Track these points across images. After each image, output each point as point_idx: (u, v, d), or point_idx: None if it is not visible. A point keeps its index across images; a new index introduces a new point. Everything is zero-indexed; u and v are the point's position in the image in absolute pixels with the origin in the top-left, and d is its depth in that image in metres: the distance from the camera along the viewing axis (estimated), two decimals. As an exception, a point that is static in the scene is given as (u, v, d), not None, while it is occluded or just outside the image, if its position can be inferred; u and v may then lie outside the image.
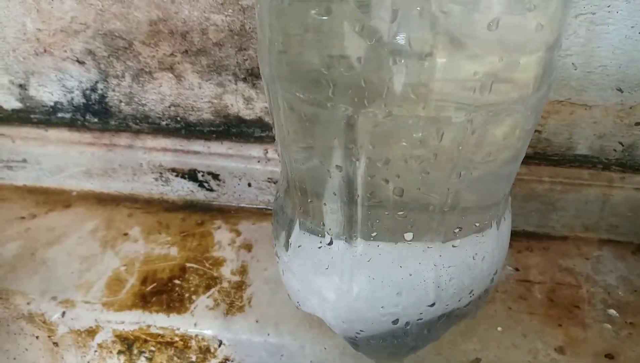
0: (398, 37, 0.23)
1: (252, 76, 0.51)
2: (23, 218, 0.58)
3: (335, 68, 0.25)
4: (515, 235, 0.54)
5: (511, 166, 0.31)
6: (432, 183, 0.29)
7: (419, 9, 0.22)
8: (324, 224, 0.34)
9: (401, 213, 0.31)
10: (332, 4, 0.23)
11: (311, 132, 0.29)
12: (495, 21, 0.23)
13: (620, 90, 0.47)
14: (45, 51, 0.53)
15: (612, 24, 0.43)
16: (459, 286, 0.35)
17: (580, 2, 0.43)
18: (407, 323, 0.36)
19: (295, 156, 0.32)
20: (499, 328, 0.46)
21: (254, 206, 0.59)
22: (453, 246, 0.33)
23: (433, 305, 0.35)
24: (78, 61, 0.53)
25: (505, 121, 0.27)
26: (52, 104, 0.57)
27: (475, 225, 0.33)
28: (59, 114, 0.57)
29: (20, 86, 0.56)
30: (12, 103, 0.57)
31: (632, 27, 0.43)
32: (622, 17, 0.43)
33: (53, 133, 0.58)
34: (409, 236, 0.32)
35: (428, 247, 0.33)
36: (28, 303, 0.49)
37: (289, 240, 0.37)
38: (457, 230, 0.32)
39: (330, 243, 0.34)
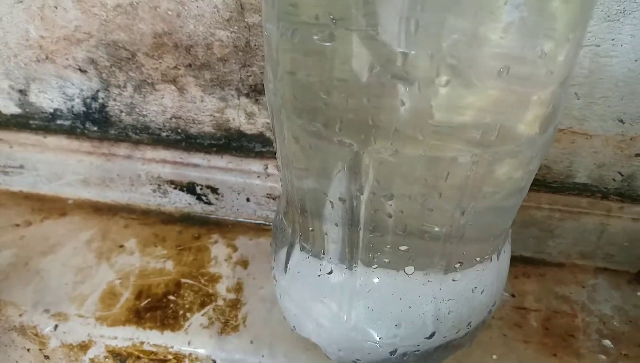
0: (408, 78, 0.23)
1: (255, 92, 0.51)
2: (18, 225, 0.57)
3: (343, 104, 0.25)
4: (512, 260, 0.53)
5: (514, 202, 0.31)
6: (435, 219, 0.29)
7: (430, 53, 0.22)
8: (324, 253, 0.34)
9: (403, 247, 0.31)
10: (342, 35, 0.23)
11: (315, 163, 0.29)
12: (506, 68, 0.22)
13: (621, 121, 0.47)
14: (47, 57, 0.53)
15: (615, 56, 0.43)
16: (458, 318, 0.35)
17: (586, 34, 0.42)
18: (405, 354, 0.35)
19: (297, 181, 0.32)
20: (494, 356, 0.46)
21: (252, 221, 0.58)
22: (453, 279, 0.33)
23: (431, 337, 0.35)
24: (80, 70, 0.53)
25: (510, 162, 0.27)
26: (51, 110, 0.56)
27: (476, 259, 0.33)
28: (59, 121, 0.57)
29: (20, 91, 0.55)
30: (11, 108, 0.57)
31: (636, 60, 0.43)
32: (626, 50, 0.43)
33: (52, 140, 0.57)
34: (410, 269, 0.32)
35: (428, 280, 0.33)
36: (20, 315, 0.48)
37: (288, 265, 0.37)
38: (458, 264, 0.32)
39: (331, 272, 0.34)
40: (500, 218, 0.31)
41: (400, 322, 0.34)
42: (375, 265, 0.32)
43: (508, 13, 0.21)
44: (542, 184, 0.51)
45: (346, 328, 0.35)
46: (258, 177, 0.55)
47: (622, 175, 0.50)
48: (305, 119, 0.27)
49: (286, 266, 0.38)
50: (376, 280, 0.33)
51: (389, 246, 0.31)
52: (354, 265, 0.33)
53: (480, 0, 0.21)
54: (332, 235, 0.32)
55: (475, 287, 0.34)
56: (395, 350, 0.35)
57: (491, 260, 0.34)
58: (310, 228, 0.34)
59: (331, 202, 0.30)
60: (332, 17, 0.23)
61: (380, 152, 0.26)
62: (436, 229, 0.29)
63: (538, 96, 0.25)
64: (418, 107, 0.24)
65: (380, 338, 0.34)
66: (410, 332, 0.34)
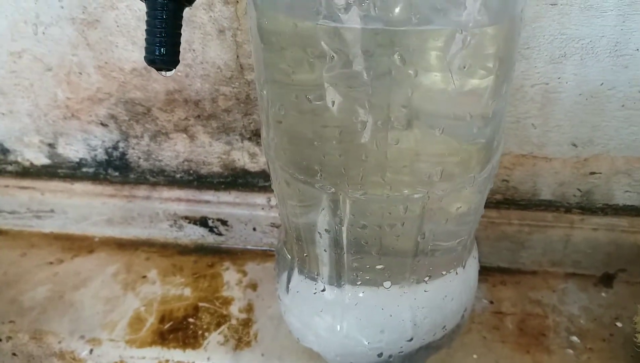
0: (368, 139, 0.30)
1: (256, 136, 0.58)
2: (51, 263, 0.64)
3: (321, 159, 0.32)
4: (490, 271, 0.61)
5: (468, 224, 0.38)
6: (402, 243, 0.36)
7: (381, 121, 0.29)
8: (318, 273, 0.41)
9: (380, 266, 0.38)
10: (316, 107, 0.30)
11: (304, 202, 0.36)
12: (442, 128, 0.30)
13: (575, 145, 0.54)
14: (72, 115, 0.60)
15: (562, 91, 0.51)
16: (433, 323, 0.42)
17: (535, 75, 0.50)
18: (390, 356, 0.42)
19: (292, 215, 0.39)
20: (475, 356, 0.52)
21: (259, 247, 0.65)
22: (425, 290, 0.40)
23: (411, 340, 0.41)
24: (102, 124, 0.60)
25: (456, 196, 0.34)
26: (77, 160, 0.64)
27: (442, 272, 0.40)
28: (84, 169, 0.64)
29: (50, 145, 0.63)
30: (41, 160, 0.65)
31: (580, 94, 0.50)
32: (571, 86, 0.50)
33: (78, 186, 0.65)
34: (387, 284, 0.39)
35: (404, 292, 0.40)
36: (59, 342, 0.55)
37: (289, 286, 0.44)
38: (427, 277, 0.39)
39: (324, 290, 0.41)
40: (456, 237, 0.38)
41: (384, 328, 0.41)
42: (359, 282, 0.39)
43: (439, 90, 0.29)
44: (511, 202, 0.58)
45: (340, 336, 0.42)
46: (262, 209, 0.62)
47: (580, 191, 0.57)
48: (293, 170, 0.35)
49: (288, 287, 0.45)
50: (361, 295, 0.40)
51: (368, 266, 0.38)
52: (342, 282, 0.40)
53: (418, 82, 0.28)
54: (323, 259, 0.39)
55: (445, 296, 0.41)
56: (381, 353, 0.42)
57: (457, 273, 0.41)
58: (305, 254, 0.41)
59: (319, 233, 0.37)
60: (305, 94, 0.30)
61: (353, 193, 0.33)
62: (404, 250, 0.36)
63: (471, 146, 0.32)
64: (378, 160, 0.31)
65: (368, 343, 0.41)
66: (393, 337, 0.41)
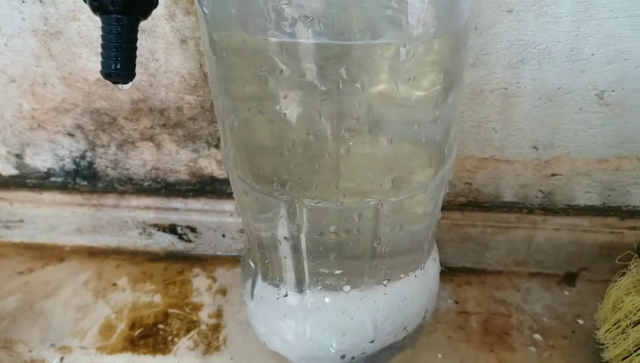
0: (321, 150, 0.31)
1: (221, 143, 0.59)
2: (22, 272, 0.64)
3: (275, 171, 0.33)
4: (456, 271, 0.62)
5: (423, 229, 0.39)
6: (359, 248, 0.37)
7: (333, 132, 0.30)
8: (280, 279, 0.42)
9: (338, 270, 0.38)
10: (265, 118, 0.31)
11: (263, 211, 0.37)
12: (391, 139, 0.31)
13: (535, 148, 0.55)
14: (39, 126, 0.60)
15: (522, 96, 0.52)
16: (394, 325, 0.43)
17: (494, 80, 0.51)
18: (353, 358, 0.43)
19: (253, 225, 0.40)
20: (440, 355, 0.53)
21: (228, 253, 0.66)
22: (384, 293, 0.41)
23: (373, 341, 0.42)
24: (69, 134, 0.60)
25: (408, 202, 0.35)
26: (45, 170, 0.64)
27: (401, 276, 0.41)
28: (52, 179, 0.64)
29: (17, 155, 0.63)
30: (9, 170, 0.65)
31: (539, 98, 0.52)
32: (529, 91, 0.51)
33: (47, 196, 0.65)
34: (347, 288, 0.40)
35: (364, 295, 0.41)
36: (30, 351, 0.56)
37: (254, 292, 0.45)
38: (386, 280, 0.40)
39: (286, 295, 0.42)
40: (413, 241, 0.39)
41: (345, 331, 0.41)
42: (320, 287, 0.40)
43: (386, 102, 0.29)
44: (474, 204, 0.60)
45: (304, 340, 0.43)
46: (231, 215, 0.63)
47: (542, 192, 0.58)
48: (251, 180, 0.35)
49: (252, 293, 0.45)
50: (322, 299, 0.41)
51: (327, 271, 0.39)
52: (304, 288, 0.41)
53: (365, 95, 0.29)
54: (284, 266, 0.40)
55: (405, 298, 0.42)
56: (344, 355, 0.43)
57: (416, 275, 0.42)
58: (267, 261, 0.41)
59: (279, 240, 0.38)
60: (258, 107, 0.31)
61: (309, 202, 0.34)
62: (361, 255, 0.37)
63: (420, 154, 0.33)
64: (330, 169, 0.32)
65: (331, 346, 0.42)
66: (355, 339, 0.42)
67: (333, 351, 0.42)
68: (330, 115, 0.30)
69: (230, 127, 0.34)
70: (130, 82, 0.35)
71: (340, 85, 0.28)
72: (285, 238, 0.37)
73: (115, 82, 0.35)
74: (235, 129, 0.34)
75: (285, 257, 0.39)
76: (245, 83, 0.31)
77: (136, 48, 0.34)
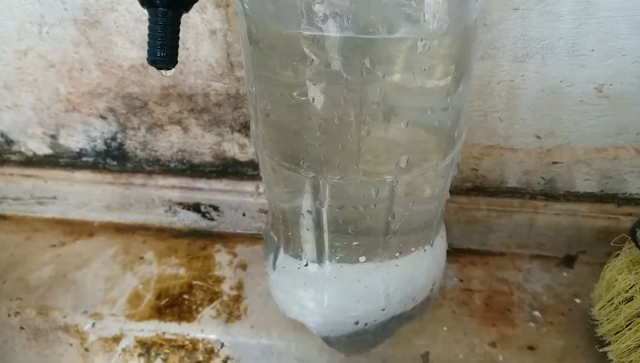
0: (343, 131, 0.35)
1: (245, 128, 0.63)
2: (54, 245, 0.69)
3: (303, 149, 0.37)
4: (461, 252, 0.66)
5: (433, 206, 0.43)
6: (375, 222, 0.41)
7: (355, 113, 0.34)
8: (301, 250, 0.46)
9: (355, 242, 0.43)
10: (299, 100, 0.35)
11: (289, 186, 0.41)
12: (407, 122, 0.35)
13: (538, 137, 0.59)
14: (74, 108, 0.64)
15: (526, 88, 0.55)
16: (404, 294, 0.47)
17: (501, 72, 0.55)
18: (366, 324, 0.47)
19: (277, 200, 0.44)
20: (445, 328, 0.57)
21: (248, 232, 0.70)
22: (396, 265, 0.45)
23: (384, 309, 0.47)
24: (101, 117, 0.65)
25: (421, 180, 0.39)
26: (78, 150, 0.68)
27: (412, 249, 0.45)
28: (84, 159, 0.69)
29: (52, 136, 0.67)
30: (44, 150, 0.69)
31: (542, 90, 0.55)
32: (533, 83, 0.55)
33: (79, 174, 0.69)
34: (362, 259, 0.44)
35: (377, 266, 0.45)
36: (64, 317, 0.60)
37: (276, 263, 0.49)
38: (398, 253, 0.44)
39: (307, 265, 0.46)
40: (424, 217, 0.43)
41: (360, 298, 0.46)
42: (338, 258, 0.44)
43: (404, 89, 0.34)
44: (480, 190, 0.64)
45: (322, 307, 0.47)
46: (251, 196, 0.67)
47: (544, 179, 0.62)
48: (279, 158, 0.39)
49: (274, 264, 0.50)
50: (340, 269, 0.45)
51: (345, 243, 0.43)
52: (323, 258, 0.45)
53: (386, 82, 0.33)
54: (306, 237, 0.44)
55: (415, 270, 0.46)
56: (358, 322, 0.47)
57: (425, 250, 0.46)
58: (290, 233, 0.46)
59: (302, 214, 0.42)
60: (290, 93, 0.35)
61: (331, 179, 0.38)
62: (377, 229, 0.41)
63: (432, 137, 0.37)
64: (352, 149, 0.36)
65: (346, 312, 0.46)
66: (368, 306, 0.46)
67: (348, 317, 0.47)
68: (353, 101, 0.34)
69: (263, 111, 0.38)
70: (173, 69, 0.39)
71: (364, 74, 0.32)
72: (308, 211, 0.41)
73: (159, 68, 0.39)
74: (267, 112, 0.38)
75: (307, 230, 0.43)
76: (279, 71, 0.35)
77: (179, 38, 0.38)
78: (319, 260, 0.45)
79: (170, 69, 0.39)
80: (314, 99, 0.34)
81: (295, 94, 0.35)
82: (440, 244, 0.49)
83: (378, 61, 0.32)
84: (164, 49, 0.38)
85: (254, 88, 0.38)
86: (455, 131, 0.39)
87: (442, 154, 0.39)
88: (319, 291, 0.46)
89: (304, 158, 0.38)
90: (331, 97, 0.34)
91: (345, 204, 0.40)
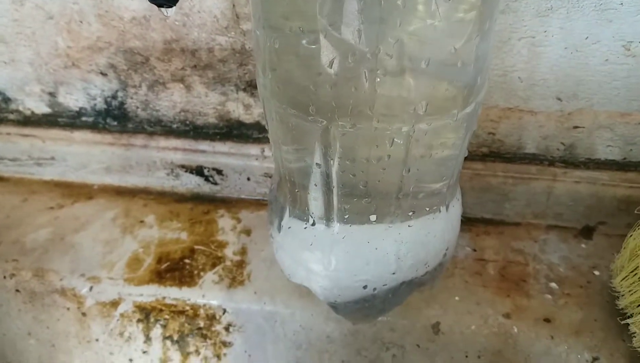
0: (358, 70, 0.32)
1: (251, 86, 0.60)
2: (52, 208, 0.67)
3: (313, 92, 0.34)
4: (474, 221, 0.63)
5: (450, 163, 0.40)
6: (388, 176, 0.38)
7: (372, 52, 0.31)
8: (308, 210, 0.43)
9: (366, 199, 0.40)
10: (310, 41, 0.32)
11: (297, 137, 0.39)
12: (428, 60, 0.32)
13: (559, 99, 0.56)
14: (73, 64, 0.62)
15: (548, 45, 0.52)
16: (415, 258, 0.44)
17: (522, 28, 0.52)
18: (375, 289, 0.45)
19: (285, 155, 0.41)
20: (457, 298, 0.55)
21: (253, 197, 0.68)
22: (409, 226, 0.42)
23: (394, 273, 0.44)
24: (101, 73, 0.62)
25: (439, 130, 0.36)
26: (77, 109, 0.66)
27: (426, 209, 0.42)
28: (83, 118, 0.66)
29: (50, 93, 0.65)
30: (42, 108, 0.66)
31: (565, 48, 0.52)
32: (557, 40, 0.52)
33: (78, 134, 0.67)
34: (373, 217, 0.41)
35: (389, 227, 0.42)
36: (60, 280, 0.58)
37: (281, 224, 0.47)
38: (411, 213, 0.42)
39: (314, 224, 0.44)
40: (440, 173, 0.40)
41: (369, 261, 0.43)
42: (347, 216, 0.42)
43: (426, 22, 0.31)
44: (496, 155, 0.61)
45: (329, 269, 0.44)
46: (256, 159, 0.65)
47: (564, 145, 0.59)
48: (287, 104, 0.37)
49: (280, 226, 0.47)
50: (349, 228, 0.42)
51: (355, 200, 0.40)
52: (331, 217, 0.42)
53: (406, 14, 0.30)
54: (313, 195, 0.42)
55: (428, 233, 0.44)
56: (366, 285, 0.44)
57: (440, 211, 0.44)
58: (297, 191, 0.43)
59: (310, 167, 0.39)
60: (300, 28, 0.32)
61: (343, 126, 0.35)
62: (390, 184, 0.39)
63: (453, 81, 0.34)
64: (367, 91, 0.33)
65: (354, 275, 0.44)
66: (377, 269, 0.43)
67: (356, 280, 0.44)
68: (370, 36, 0.31)
69: (270, 55, 0.35)
70: (174, 7, 0.36)
71: (382, 3, 0.29)
72: (317, 164, 0.39)
73: (159, 5, 0.36)
74: (275, 56, 0.35)
75: (315, 185, 0.41)
76: (288, 6, 0.32)
77: (180, -28, 0.35)
78: (327, 219, 0.43)
79: (171, 6, 0.36)
80: (325, 34, 0.31)
81: (305, 28, 0.32)
82: (455, 206, 0.46)
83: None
84: (163, -17, 0.35)
85: (259, 31, 0.35)
86: (478, 77, 0.36)
87: (463, 101, 0.36)
88: (326, 253, 0.44)
89: (314, 103, 0.35)
90: (345, 31, 0.31)
91: (357, 157, 0.37)
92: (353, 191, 0.40)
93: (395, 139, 0.35)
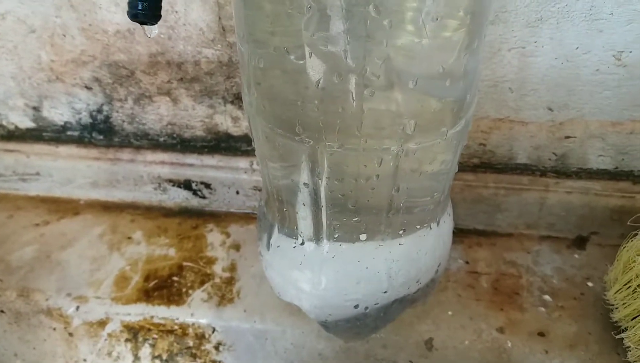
0: (344, 92, 0.31)
1: (238, 99, 0.59)
2: (37, 224, 0.65)
3: (299, 112, 0.33)
4: (467, 233, 0.63)
5: (441, 179, 0.40)
6: (378, 195, 0.37)
7: (358, 74, 0.30)
8: (297, 228, 0.42)
9: (356, 218, 0.39)
10: (294, 62, 0.32)
11: (284, 156, 0.38)
12: (416, 81, 0.31)
13: (550, 109, 0.55)
14: (57, 78, 0.61)
15: (539, 55, 0.52)
16: (407, 276, 0.43)
17: (512, 38, 0.51)
18: (366, 308, 0.44)
19: (272, 172, 0.40)
20: (450, 312, 0.54)
21: (242, 211, 0.67)
22: (399, 244, 0.41)
23: (386, 292, 0.43)
24: (86, 87, 0.61)
25: (429, 149, 0.35)
26: (62, 123, 0.64)
27: (417, 227, 0.41)
28: (69, 132, 0.65)
29: (34, 108, 0.64)
30: (26, 123, 0.65)
31: (556, 58, 0.52)
32: (547, 50, 0.51)
33: (63, 149, 0.66)
34: (363, 236, 0.40)
35: (379, 245, 0.41)
36: (46, 299, 0.57)
37: (270, 242, 0.46)
38: (402, 230, 0.41)
39: (303, 244, 0.43)
40: (430, 192, 0.40)
41: (360, 280, 0.42)
42: (337, 235, 0.41)
43: (413, 40, 0.30)
44: (487, 166, 0.60)
45: (319, 289, 0.43)
46: (245, 172, 0.64)
47: (556, 155, 0.59)
48: (274, 124, 0.36)
49: (269, 243, 0.46)
50: (339, 247, 0.41)
51: (345, 219, 0.39)
52: (321, 236, 0.41)
53: (393, 32, 0.29)
54: (302, 214, 0.41)
55: (419, 250, 0.43)
56: (358, 305, 0.43)
57: (431, 228, 0.43)
58: (285, 209, 0.42)
59: (298, 186, 0.38)
60: (285, 45, 0.31)
61: (330, 146, 0.34)
62: (379, 203, 0.38)
63: (442, 98, 0.33)
64: (354, 110, 0.32)
65: (345, 295, 0.43)
66: (369, 289, 0.43)
67: (347, 299, 0.43)
68: (356, 55, 0.30)
69: (255, 71, 0.34)
70: (156, 26, 0.35)
71: (368, 23, 0.28)
72: (305, 184, 0.38)
73: (141, 23, 0.35)
74: (260, 72, 0.34)
75: (303, 204, 0.40)
76: (272, 22, 0.31)
77: (161, -11, 0.34)
78: (316, 238, 0.42)
79: (153, 24, 0.35)
80: (311, 53, 0.30)
81: (290, 48, 0.31)
82: (447, 222, 0.46)
83: (384, 9, 0.28)
84: (145, 0, 0.34)
85: (244, 47, 0.34)
86: (468, 94, 0.35)
87: (453, 119, 0.35)
88: (316, 272, 0.43)
89: (300, 123, 0.34)
90: (331, 50, 0.30)
91: (346, 177, 0.36)
92: (342, 210, 0.39)
93: (383, 159, 0.34)
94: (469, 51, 0.32)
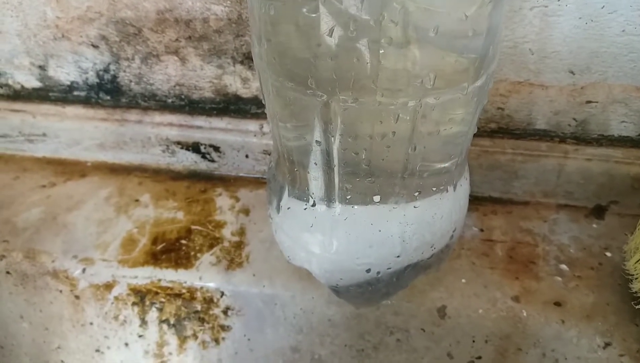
0: (361, 40, 0.30)
1: (248, 59, 0.57)
2: (44, 186, 0.64)
3: (312, 64, 0.32)
4: (481, 200, 0.61)
5: (459, 140, 0.38)
6: (393, 155, 0.36)
7: (375, 19, 0.29)
8: (308, 190, 0.41)
9: (370, 179, 0.37)
10: (310, 8, 0.30)
11: (295, 113, 0.36)
12: (436, 28, 0.29)
13: (572, 72, 0.53)
14: (63, 36, 0.59)
15: (562, 15, 0.50)
16: (421, 240, 0.42)
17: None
18: (378, 272, 0.43)
19: (283, 132, 0.39)
20: (463, 280, 0.53)
21: (251, 175, 0.65)
22: (415, 206, 0.40)
23: (399, 256, 0.42)
24: (93, 45, 0.59)
25: (449, 105, 0.34)
26: (68, 83, 0.63)
27: (433, 189, 0.40)
28: (75, 93, 0.64)
29: (40, 67, 0.62)
30: (32, 82, 0.64)
31: (580, 18, 0.49)
32: (571, 10, 0.49)
33: (70, 110, 0.64)
34: (377, 198, 0.39)
35: (394, 207, 0.40)
36: (52, 261, 0.56)
37: (280, 204, 0.44)
38: (417, 193, 0.39)
39: (314, 205, 0.41)
40: (448, 151, 0.38)
41: (372, 243, 0.41)
42: (349, 196, 0.39)
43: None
44: (505, 131, 0.58)
45: (330, 252, 0.42)
46: (255, 136, 0.62)
47: (576, 120, 0.57)
48: (285, 77, 0.34)
49: (279, 206, 0.45)
50: (351, 209, 0.40)
51: (358, 179, 0.38)
52: (333, 197, 0.40)
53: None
54: (313, 173, 0.39)
55: (435, 213, 0.41)
56: (370, 269, 0.42)
57: (447, 191, 0.41)
58: (296, 169, 0.40)
59: (310, 145, 0.37)
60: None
61: (344, 100, 0.33)
62: (394, 163, 0.36)
63: (464, 51, 0.31)
64: (370, 63, 0.30)
65: (357, 258, 0.42)
66: (381, 252, 0.41)
67: (359, 263, 0.42)
68: (372, 1, 0.28)
69: (265, 22, 0.33)
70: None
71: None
72: (317, 141, 0.36)
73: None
74: (271, 21, 0.32)
75: (315, 164, 0.38)
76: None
77: None
78: (328, 199, 0.40)
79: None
80: (325, 1, 0.29)
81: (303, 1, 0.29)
82: (463, 186, 0.44)
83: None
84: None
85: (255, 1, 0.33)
86: (490, 48, 0.33)
87: (474, 73, 0.33)
88: (327, 234, 0.41)
89: (313, 76, 0.32)
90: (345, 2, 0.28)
91: (360, 134, 0.34)
92: (355, 170, 0.37)
93: (400, 115, 0.33)
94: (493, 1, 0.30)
